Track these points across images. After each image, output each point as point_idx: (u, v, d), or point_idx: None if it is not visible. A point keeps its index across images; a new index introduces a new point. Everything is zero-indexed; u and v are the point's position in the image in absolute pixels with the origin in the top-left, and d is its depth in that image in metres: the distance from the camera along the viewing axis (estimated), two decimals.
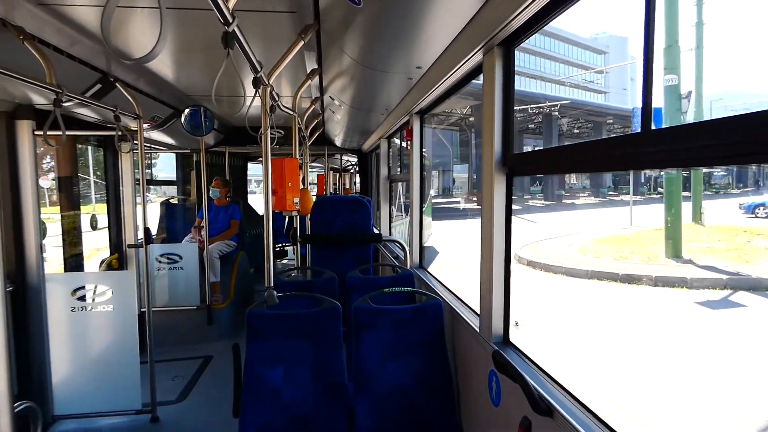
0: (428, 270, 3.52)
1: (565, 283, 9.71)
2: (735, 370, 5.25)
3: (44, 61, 2.16)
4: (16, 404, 1.75)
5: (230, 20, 1.42)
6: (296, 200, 2.95)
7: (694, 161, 0.97)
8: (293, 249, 3.66)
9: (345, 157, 9.18)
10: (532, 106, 28.17)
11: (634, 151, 1.10)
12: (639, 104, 1.07)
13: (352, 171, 11.01)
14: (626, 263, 10.43)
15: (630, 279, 9.25)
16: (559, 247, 12.88)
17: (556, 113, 28.79)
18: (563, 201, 32.38)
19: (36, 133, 2.96)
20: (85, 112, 3.29)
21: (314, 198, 4.05)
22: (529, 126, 31.85)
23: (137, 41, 2.52)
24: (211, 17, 1.43)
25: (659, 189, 27.54)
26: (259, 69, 1.97)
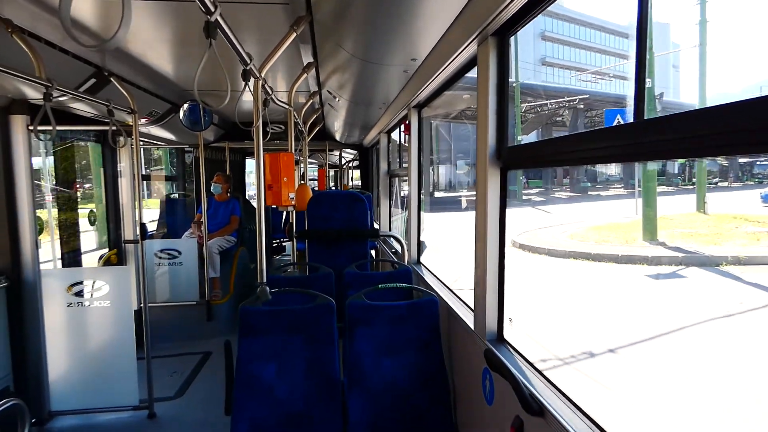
0: (425, 265, 3.48)
1: (542, 261, 11.10)
2: (655, 325, 6.42)
3: (33, 54, 2.13)
4: (3, 401, 1.73)
5: (212, 9, 1.38)
6: (291, 195, 2.91)
7: (689, 152, 0.92)
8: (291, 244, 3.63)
9: (343, 153, 9.13)
10: (555, 100, 28.27)
11: (627, 142, 1.05)
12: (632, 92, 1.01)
13: (344, 166, 10.92)
14: (604, 245, 11.46)
15: (599, 258, 10.47)
16: (554, 233, 13.74)
17: (581, 106, 28.87)
18: (589, 193, 32.02)
19: (29, 127, 2.94)
20: (81, 107, 3.27)
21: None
22: (557, 119, 31.74)
23: (133, 34, 2.49)
24: None
25: (693, 180, 27.15)
26: (249, 61, 1.93)
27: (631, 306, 7.41)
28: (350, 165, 11.13)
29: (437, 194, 32.26)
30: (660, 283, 8.76)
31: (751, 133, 0.79)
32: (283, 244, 8.47)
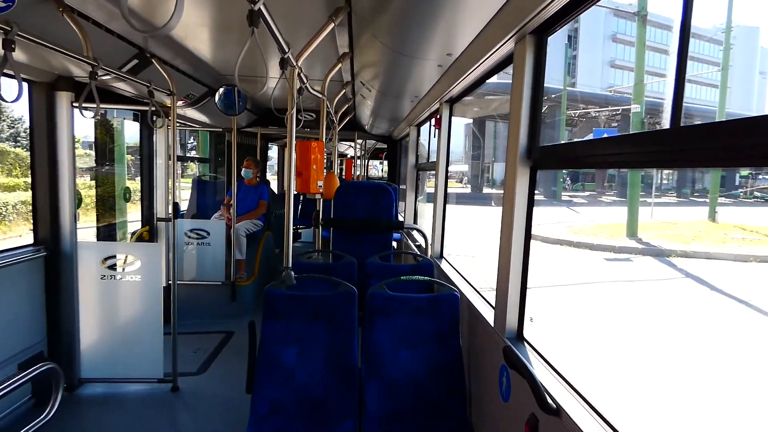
0: (448, 260, 3.49)
1: (534, 244, 13.33)
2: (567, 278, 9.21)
3: (82, 33, 2.21)
4: (39, 365, 1.83)
5: None
6: (320, 183, 2.96)
7: (724, 161, 0.92)
8: (314, 231, 3.68)
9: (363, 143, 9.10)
10: (602, 109, 28.76)
11: (660, 148, 1.05)
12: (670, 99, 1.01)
13: (351, 156, 10.80)
14: (590, 237, 14.02)
15: (579, 245, 13.07)
16: (559, 227, 15.96)
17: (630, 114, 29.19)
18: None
19: (74, 104, 3.05)
20: (123, 87, 3.38)
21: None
22: (613, 124, 31.86)
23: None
24: None
25: (756, 193, 26.48)
26: (287, 50, 1.97)
27: (568, 270, 10.09)
28: (366, 156, 11.15)
29: (486, 190, 34.58)
30: (606, 262, 11.65)
31: None
32: (299, 230, 8.47)
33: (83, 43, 2.25)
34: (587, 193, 33.49)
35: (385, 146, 7.99)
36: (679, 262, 11.15)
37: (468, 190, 36.39)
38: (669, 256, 11.75)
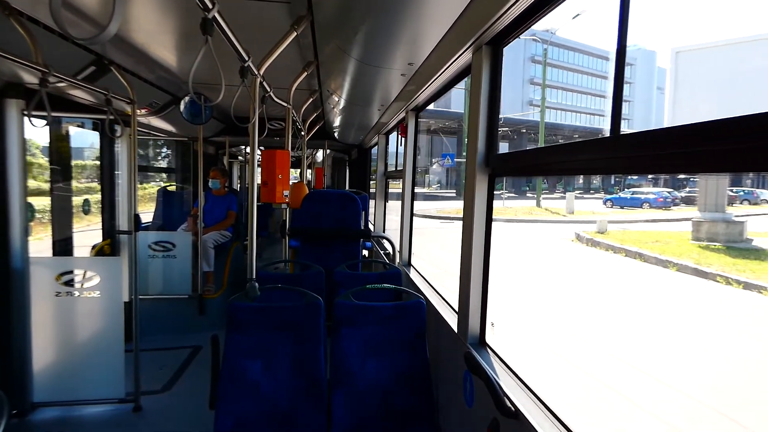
0: (415, 267, 3.51)
1: (418, 215, 19.07)
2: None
3: (30, 38, 2.13)
4: None
5: (210, 6, 1.40)
6: (286, 193, 2.93)
7: (660, 167, 0.95)
8: (282, 242, 3.64)
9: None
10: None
11: (603, 156, 1.08)
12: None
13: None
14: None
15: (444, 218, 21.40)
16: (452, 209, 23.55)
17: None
18: (576, 195, 36.45)
19: (24, 112, 2.93)
20: (80, 95, 3.28)
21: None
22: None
23: (136, 24, 2.50)
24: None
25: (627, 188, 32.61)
26: (247, 58, 1.96)
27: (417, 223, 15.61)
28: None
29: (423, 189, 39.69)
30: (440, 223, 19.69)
31: (720, 154, 0.82)
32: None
33: (32, 49, 2.17)
34: (549, 194, 38.48)
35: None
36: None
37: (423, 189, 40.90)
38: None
